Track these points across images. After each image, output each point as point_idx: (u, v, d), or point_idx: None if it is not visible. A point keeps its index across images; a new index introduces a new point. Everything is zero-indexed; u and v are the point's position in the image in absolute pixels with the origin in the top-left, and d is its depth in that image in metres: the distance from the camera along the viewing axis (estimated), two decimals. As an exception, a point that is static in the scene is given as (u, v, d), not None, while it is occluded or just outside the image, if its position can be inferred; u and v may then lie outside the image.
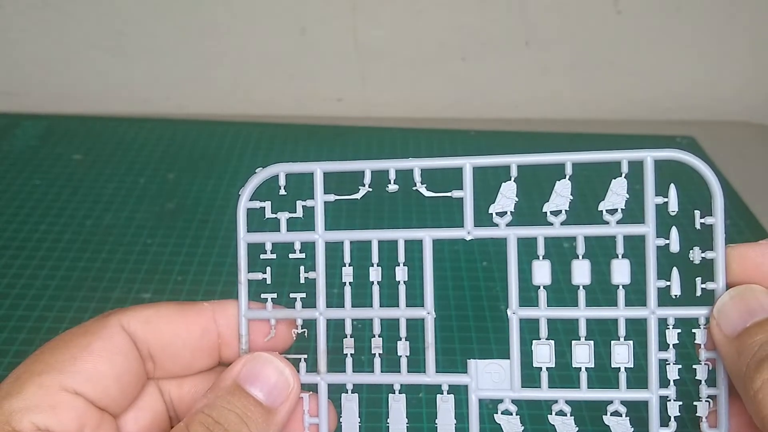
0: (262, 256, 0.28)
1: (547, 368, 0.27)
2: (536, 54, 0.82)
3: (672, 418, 0.26)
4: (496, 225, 0.27)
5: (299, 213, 0.28)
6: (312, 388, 0.28)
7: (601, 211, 0.27)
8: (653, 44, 0.82)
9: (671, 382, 0.27)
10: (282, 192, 0.28)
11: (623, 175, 0.27)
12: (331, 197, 0.28)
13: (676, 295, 0.26)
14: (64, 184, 0.67)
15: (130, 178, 0.68)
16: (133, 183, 0.67)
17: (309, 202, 0.28)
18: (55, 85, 0.83)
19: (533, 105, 0.84)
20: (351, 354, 0.28)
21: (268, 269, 0.28)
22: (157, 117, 0.81)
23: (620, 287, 0.27)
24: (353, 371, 0.28)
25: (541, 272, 0.27)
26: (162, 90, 0.83)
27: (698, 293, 0.26)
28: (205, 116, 0.81)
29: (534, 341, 0.27)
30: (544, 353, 0.27)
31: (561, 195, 0.27)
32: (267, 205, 0.28)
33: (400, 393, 0.28)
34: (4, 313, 0.51)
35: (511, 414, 0.27)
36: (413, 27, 0.81)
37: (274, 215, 0.28)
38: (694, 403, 0.26)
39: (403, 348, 0.27)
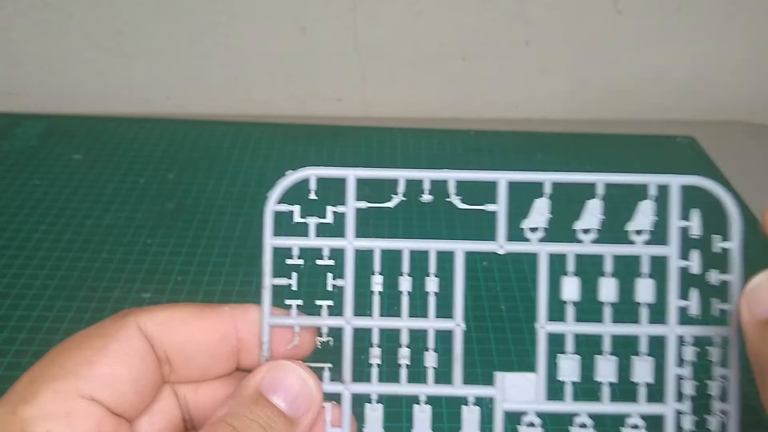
0: (288, 261, 0.27)
1: (572, 382, 0.27)
2: (536, 54, 0.82)
3: None
4: (528, 240, 0.28)
5: (329, 218, 0.27)
6: (334, 398, 0.27)
7: (627, 231, 0.28)
8: (653, 44, 0.82)
9: (686, 397, 0.27)
10: (312, 196, 0.27)
11: (651, 198, 0.27)
12: (363, 204, 0.27)
13: (695, 315, 0.27)
14: (64, 184, 0.67)
15: (130, 178, 0.68)
16: (133, 183, 0.67)
17: (340, 208, 0.27)
18: (55, 85, 0.83)
19: (533, 105, 0.84)
20: (378, 364, 0.28)
21: (294, 275, 0.27)
22: (157, 117, 0.81)
23: (643, 305, 0.27)
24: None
25: (570, 288, 0.27)
26: (162, 90, 0.83)
27: (715, 313, 0.27)
28: (205, 116, 0.81)
29: (559, 355, 0.27)
30: (569, 367, 0.27)
31: (593, 214, 0.27)
32: (296, 209, 0.27)
33: (426, 404, 0.28)
34: (4, 313, 0.51)
35: (535, 426, 0.27)
36: (413, 27, 0.81)
37: (303, 219, 0.27)
38: (706, 416, 0.27)
39: (431, 359, 0.27)
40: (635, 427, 0.27)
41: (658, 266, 0.28)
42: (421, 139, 0.77)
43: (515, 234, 0.28)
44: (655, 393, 0.28)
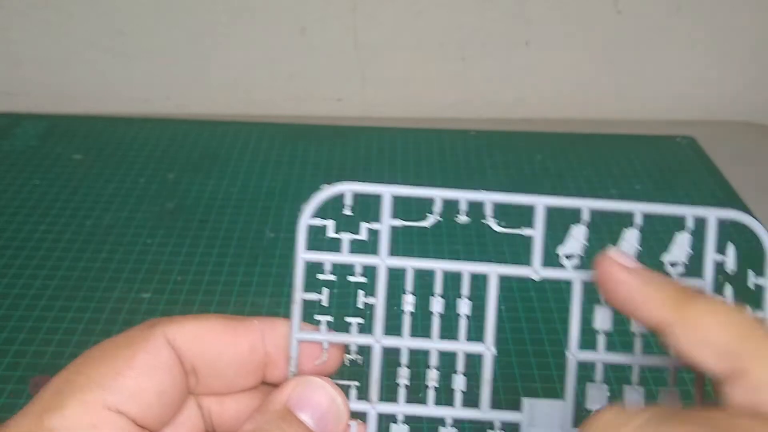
0: (319, 277, 0.27)
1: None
2: (536, 54, 0.82)
3: None
4: (563, 266, 0.27)
5: (363, 235, 0.27)
6: (360, 416, 0.27)
7: (662, 262, 0.27)
8: (653, 44, 0.82)
9: None
10: (347, 212, 0.26)
11: (688, 230, 0.27)
12: (398, 222, 0.27)
13: None
14: (64, 184, 0.67)
15: (130, 178, 0.68)
16: (133, 183, 0.67)
17: (374, 225, 0.27)
18: (55, 85, 0.83)
19: (533, 105, 0.84)
20: (405, 384, 0.27)
21: (325, 290, 0.27)
22: (157, 117, 0.81)
23: None
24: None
25: (603, 317, 0.27)
26: (162, 90, 0.83)
27: None
28: (205, 116, 0.81)
29: (588, 383, 0.27)
30: (597, 396, 0.27)
31: (630, 243, 0.27)
32: (330, 223, 0.27)
33: (452, 427, 0.27)
34: (4, 313, 0.51)
35: None
36: (413, 27, 0.81)
37: (336, 235, 0.27)
38: None
39: (459, 382, 0.27)
40: None
41: None
42: (421, 139, 0.77)
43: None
44: None
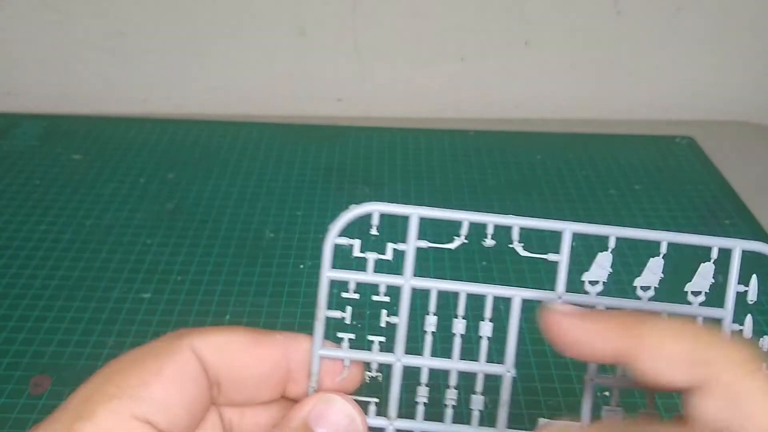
0: (343, 295, 0.27)
1: None
2: (536, 54, 0.82)
3: None
4: (587, 293, 0.28)
5: (389, 255, 0.27)
6: None
7: (686, 291, 0.28)
8: (653, 44, 0.82)
9: None
10: (374, 232, 0.27)
11: (712, 260, 0.28)
12: (424, 243, 0.27)
13: None
14: (64, 184, 0.67)
15: (130, 178, 0.68)
16: (133, 183, 0.67)
17: (400, 246, 0.27)
18: (55, 85, 0.83)
19: (533, 105, 0.84)
20: (424, 402, 0.28)
21: (348, 308, 0.27)
22: (157, 117, 0.81)
23: None
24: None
25: None
26: (162, 90, 0.83)
27: None
28: (205, 116, 0.81)
29: (603, 407, 0.28)
30: (612, 418, 0.28)
31: (653, 272, 0.28)
32: (356, 243, 0.27)
33: None
34: (4, 313, 0.51)
35: None
36: (413, 27, 0.81)
37: (362, 254, 0.27)
38: None
39: (478, 402, 0.28)
40: None
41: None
42: (421, 139, 0.77)
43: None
44: None
